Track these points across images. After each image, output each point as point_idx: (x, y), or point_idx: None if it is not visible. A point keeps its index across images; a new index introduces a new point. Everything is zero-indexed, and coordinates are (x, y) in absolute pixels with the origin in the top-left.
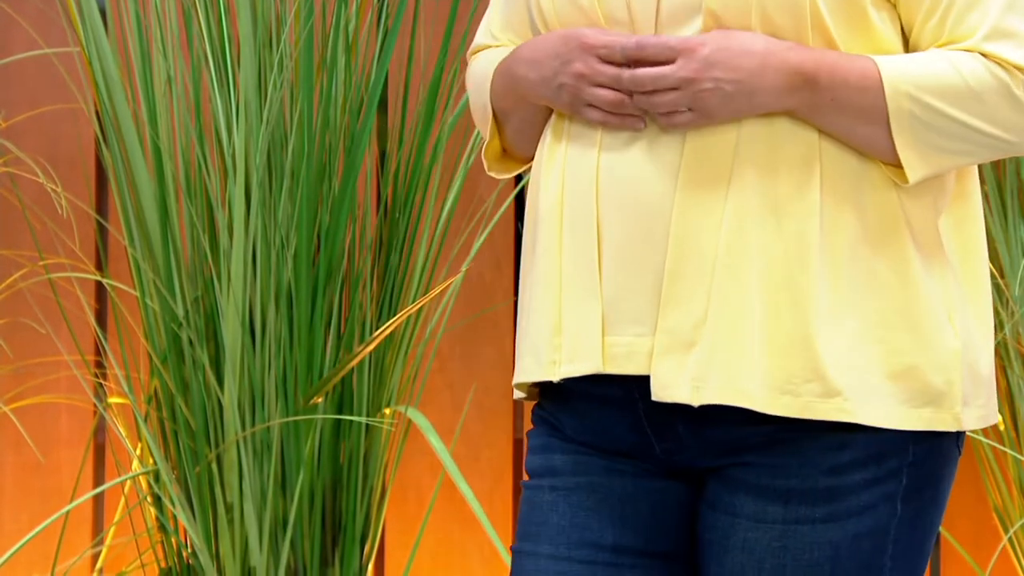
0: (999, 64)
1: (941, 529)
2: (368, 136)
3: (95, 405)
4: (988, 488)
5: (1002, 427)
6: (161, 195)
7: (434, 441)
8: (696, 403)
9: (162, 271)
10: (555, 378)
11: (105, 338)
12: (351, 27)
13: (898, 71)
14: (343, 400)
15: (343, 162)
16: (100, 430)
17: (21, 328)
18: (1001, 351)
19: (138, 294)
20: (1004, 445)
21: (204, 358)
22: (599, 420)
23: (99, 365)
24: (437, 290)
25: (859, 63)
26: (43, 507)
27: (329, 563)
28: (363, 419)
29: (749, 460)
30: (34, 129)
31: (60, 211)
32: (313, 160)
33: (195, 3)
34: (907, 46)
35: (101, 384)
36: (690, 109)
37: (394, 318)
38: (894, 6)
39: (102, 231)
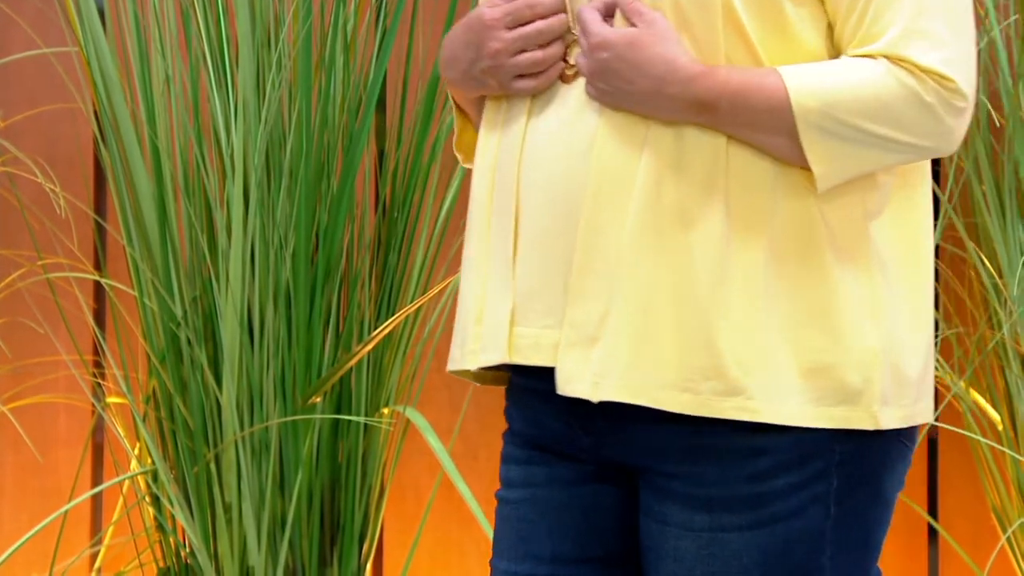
0: (908, 70)
1: (939, 529)
2: (366, 135)
3: (93, 405)
4: (986, 488)
5: (1000, 427)
6: (159, 195)
7: (432, 441)
8: (595, 399)
9: (160, 271)
10: (472, 367)
11: (103, 338)
12: (349, 26)
13: (806, 87)
14: (341, 400)
15: (341, 161)
16: (98, 430)
17: (19, 328)
18: (1000, 351)
19: (136, 294)
20: (1002, 445)
21: (202, 358)
22: (535, 412)
23: (97, 365)
24: (436, 289)
25: (767, 81)
26: (42, 507)
27: (327, 563)
28: (361, 419)
29: (671, 469)
30: (32, 129)
31: (58, 211)
32: (311, 159)
33: (193, 3)
34: (832, 43)
35: (99, 384)
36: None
37: (393, 318)
38: (821, 2)
39: (100, 231)
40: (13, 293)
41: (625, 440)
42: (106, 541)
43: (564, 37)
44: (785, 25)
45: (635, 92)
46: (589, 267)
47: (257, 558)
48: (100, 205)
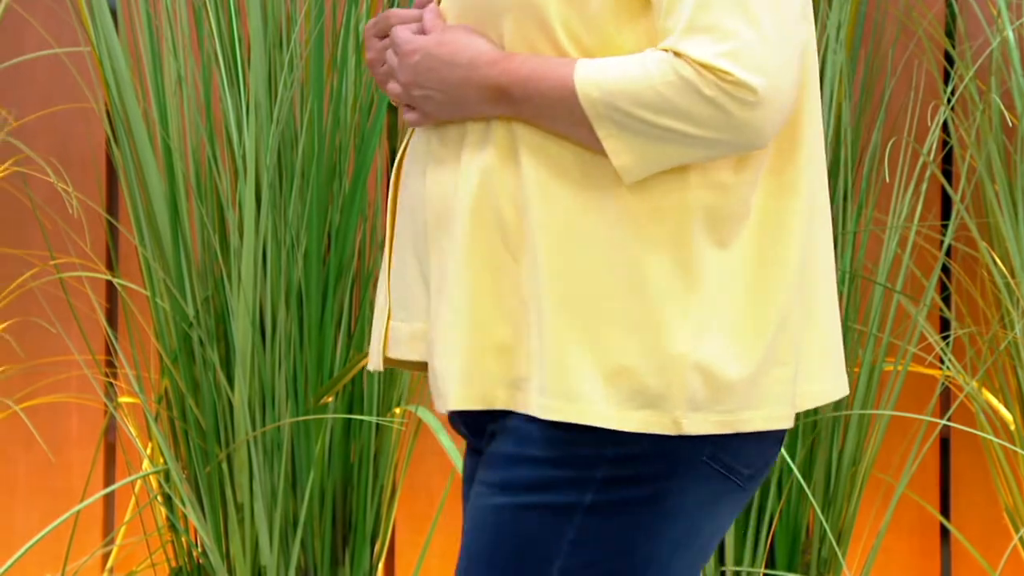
0: (688, 63)
1: (951, 528)
2: (378, 135)
3: (106, 404)
4: (999, 488)
5: (1013, 427)
6: (172, 195)
7: (444, 440)
8: (442, 410)
9: (173, 271)
10: (376, 367)
11: (116, 338)
12: (361, 26)
13: (591, 77)
14: (353, 399)
15: (353, 161)
16: (111, 429)
17: (32, 327)
18: (1012, 351)
19: (149, 294)
20: (1015, 445)
21: (215, 358)
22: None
23: (110, 365)
24: None
25: (558, 71)
26: (54, 506)
27: (340, 563)
28: (373, 418)
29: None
30: (45, 129)
31: (71, 211)
32: (323, 159)
33: (206, 3)
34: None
35: (112, 384)
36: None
37: None
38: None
39: (113, 231)
40: (26, 293)
41: (478, 430)
42: (118, 541)
43: None
44: (607, 35)
45: (448, 88)
46: (438, 287)
47: (269, 558)
48: (112, 205)
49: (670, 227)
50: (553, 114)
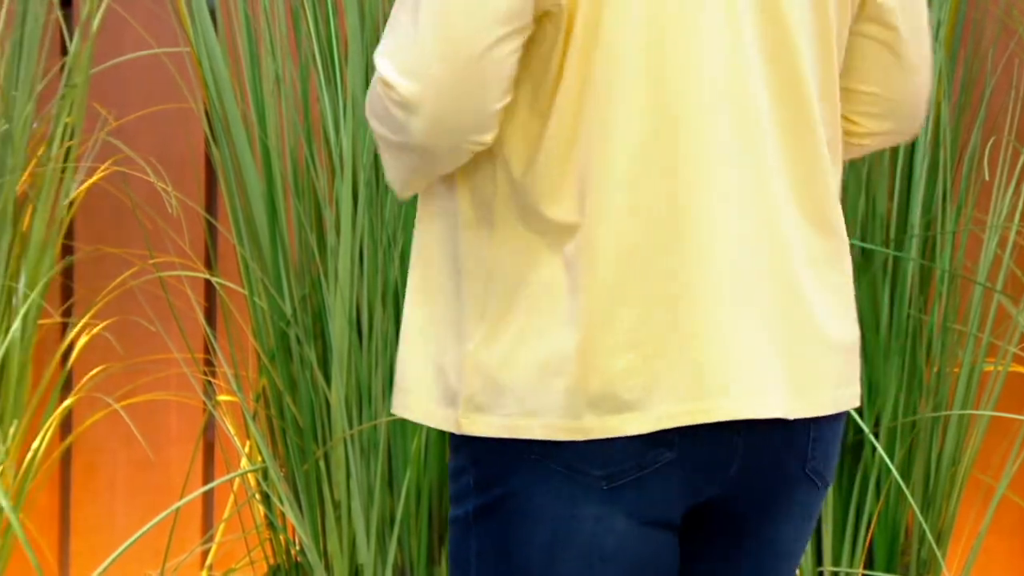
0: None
1: None
2: None
3: (204, 403)
4: None
5: None
6: (269, 194)
7: None
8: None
9: (270, 270)
10: None
11: (214, 336)
12: None
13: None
14: None
15: None
16: (209, 427)
17: (132, 326)
18: None
19: (247, 293)
20: None
21: (312, 356)
22: None
23: (208, 363)
24: None
25: None
26: (154, 504)
27: (436, 561)
28: None
29: None
30: (145, 129)
31: (170, 210)
32: None
33: (303, 3)
34: None
35: (210, 382)
36: None
37: None
38: None
39: (212, 230)
40: (126, 292)
41: None
42: (217, 538)
43: None
44: None
45: None
46: None
47: (366, 556)
48: (211, 204)
49: (484, 225)
50: None
